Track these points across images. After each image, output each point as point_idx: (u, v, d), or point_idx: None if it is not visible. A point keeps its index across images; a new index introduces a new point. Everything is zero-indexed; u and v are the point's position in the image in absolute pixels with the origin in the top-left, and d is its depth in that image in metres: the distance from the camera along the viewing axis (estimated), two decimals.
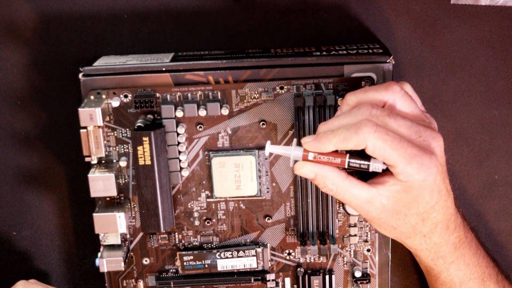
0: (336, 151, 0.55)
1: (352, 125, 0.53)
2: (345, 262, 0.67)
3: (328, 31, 0.66)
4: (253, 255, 0.66)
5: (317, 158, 0.55)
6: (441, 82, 0.68)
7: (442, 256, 0.59)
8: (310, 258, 0.67)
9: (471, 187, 0.70)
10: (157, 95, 0.62)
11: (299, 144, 0.57)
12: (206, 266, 0.66)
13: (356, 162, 0.55)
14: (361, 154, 0.55)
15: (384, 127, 0.53)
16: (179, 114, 0.62)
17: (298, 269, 0.67)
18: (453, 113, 0.68)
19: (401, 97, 0.55)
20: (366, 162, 0.55)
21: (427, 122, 0.56)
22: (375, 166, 0.55)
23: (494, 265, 0.64)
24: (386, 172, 0.55)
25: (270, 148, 0.57)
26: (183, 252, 0.66)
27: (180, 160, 0.63)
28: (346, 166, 0.55)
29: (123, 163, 0.63)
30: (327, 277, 0.67)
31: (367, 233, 0.66)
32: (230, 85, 0.62)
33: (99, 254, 0.64)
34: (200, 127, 0.63)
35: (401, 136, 0.53)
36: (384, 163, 0.54)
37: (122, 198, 0.64)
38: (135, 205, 0.65)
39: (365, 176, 0.57)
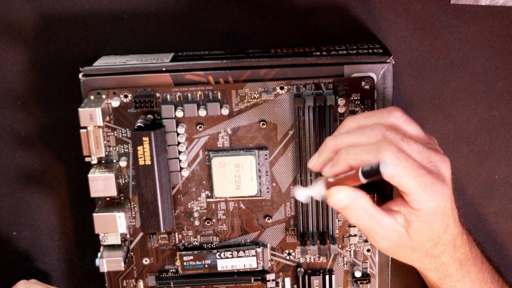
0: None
1: (371, 147, 0.51)
2: (345, 262, 0.67)
3: (328, 31, 0.66)
4: (253, 255, 0.66)
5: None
6: (441, 82, 0.68)
7: (449, 274, 0.58)
8: (310, 258, 0.67)
9: (471, 187, 0.70)
10: (157, 95, 0.62)
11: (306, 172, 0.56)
12: (206, 266, 0.66)
13: (368, 168, 0.52)
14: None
15: (402, 152, 0.51)
16: (179, 114, 0.62)
17: (298, 269, 0.67)
18: (453, 113, 0.68)
19: (404, 122, 0.54)
20: (376, 164, 0.51)
21: (432, 144, 0.55)
22: (385, 167, 0.51)
23: (499, 278, 0.63)
24: (396, 200, 0.54)
25: (300, 193, 0.55)
26: (183, 252, 0.66)
27: (180, 160, 0.63)
28: (360, 174, 0.52)
29: (123, 163, 0.63)
30: (327, 277, 0.67)
31: None
32: (230, 85, 0.62)
33: (99, 254, 0.64)
34: (200, 127, 0.63)
35: (414, 161, 0.52)
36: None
37: (122, 198, 0.64)
38: (135, 205, 0.65)
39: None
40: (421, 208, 0.52)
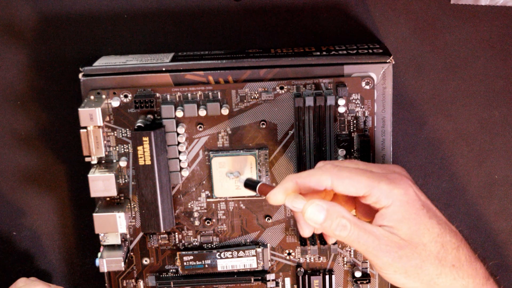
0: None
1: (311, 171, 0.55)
2: (345, 262, 0.67)
3: (328, 31, 0.66)
4: (253, 255, 0.66)
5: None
6: (441, 82, 0.68)
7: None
8: (310, 258, 0.67)
9: (471, 187, 0.70)
10: (157, 95, 0.62)
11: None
12: (206, 266, 0.66)
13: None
14: None
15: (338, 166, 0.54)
16: (179, 114, 0.62)
17: (298, 269, 0.67)
18: (453, 113, 0.68)
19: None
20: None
21: None
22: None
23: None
24: (375, 216, 0.54)
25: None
26: (183, 252, 0.66)
27: (180, 160, 0.63)
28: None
29: (123, 163, 0.63)
30: (327, 277, 0.67)
31: None
32: (230, 85, 0.62)
33: (99, 254, 0.64)
34: (200, 127, 0.63)
35: (353, 168, 0.54)
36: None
37: (122, 198, 0.64)
38: (135, 205, 0.65)
39: None
40: (391, 202, 0.52)
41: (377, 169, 0.55)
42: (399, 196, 0.52)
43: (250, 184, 0.58)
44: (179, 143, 0.63)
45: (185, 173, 0.64)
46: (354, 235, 0.52)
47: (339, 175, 0.53)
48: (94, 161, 0.61)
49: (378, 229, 0.52)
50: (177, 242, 0.66)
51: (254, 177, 0.64)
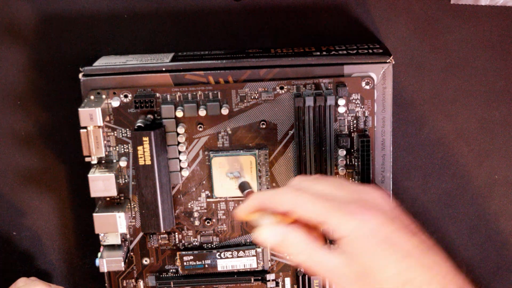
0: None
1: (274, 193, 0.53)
2: None
3: (328, 31, 0.66)
4: (253, 255, 0.66)
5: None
6: (441, 82, 0.68)
7: None
8: None
9: (471, 187, 0.70)
10: (157, 95, 0.62)
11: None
12: (206, 266, 0.66)
13: None
14: None
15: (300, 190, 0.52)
16: (179, 114, 0.62)
17: (298, 269, 0.67)
18: (453, 113, 0.68)
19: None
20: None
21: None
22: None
23: None
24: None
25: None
26: (183, 252, 0.66)
27: (180, 160, 0.63)
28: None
29: (123, 163, 0.63)
30: None
31: None
32: (230, 85, 0.62)
33: (99, 254, 0.64)
34: (200, 127, 0.63)
35: (314, 194, 0.51)
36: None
37: (122, 198, 0.64)
38: (135, 205, 0.65)
39: None
40: (345, 232, 0.49)
41: (347, 193, 0.51)
42: (356, 228, 0.49)
43: (240, 189, 0.60)
44: (179, 143, 0.63)
45: (185, 173, 0.64)
46: (308, 263, 0.50)
47: (298, 200, 0.51)
48: (94, 161, 0.61)
49: (335, 259, 0.50)
50: (177, 242, 0.66)
51: (254, 178, 0.64)
